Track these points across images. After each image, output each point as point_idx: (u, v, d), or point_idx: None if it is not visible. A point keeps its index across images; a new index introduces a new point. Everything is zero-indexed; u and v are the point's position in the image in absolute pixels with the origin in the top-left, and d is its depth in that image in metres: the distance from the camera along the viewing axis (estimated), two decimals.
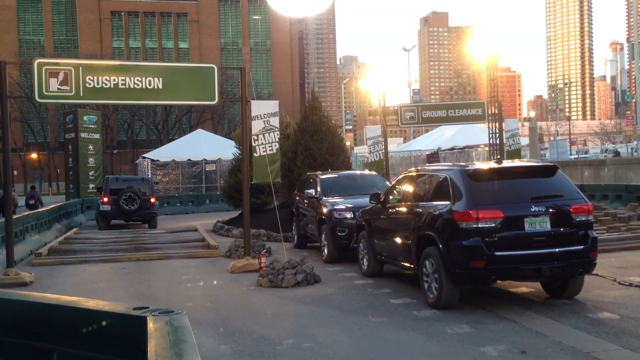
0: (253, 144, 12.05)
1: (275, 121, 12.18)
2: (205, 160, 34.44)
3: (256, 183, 12.61)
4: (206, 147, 35.01)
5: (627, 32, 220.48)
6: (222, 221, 19.62)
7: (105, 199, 20.00)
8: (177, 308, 2.60)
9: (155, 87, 10.89)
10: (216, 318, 7.58)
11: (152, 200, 20.38)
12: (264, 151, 12.00)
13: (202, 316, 7.67)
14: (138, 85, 10.78)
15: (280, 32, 68.54)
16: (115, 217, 20.35)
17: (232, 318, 7.53)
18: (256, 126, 12.05)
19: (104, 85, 10.60)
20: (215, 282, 10.17)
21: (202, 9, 67.58)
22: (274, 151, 12.12)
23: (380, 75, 34.39)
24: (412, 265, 8.40)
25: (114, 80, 10.65)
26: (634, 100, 48.91)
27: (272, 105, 12.49)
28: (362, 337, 6.55)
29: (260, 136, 12.05)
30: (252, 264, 10.98)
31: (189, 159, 34.49)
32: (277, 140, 12.19)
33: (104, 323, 2.51)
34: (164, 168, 34.69)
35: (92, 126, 28.37)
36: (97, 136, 28.73)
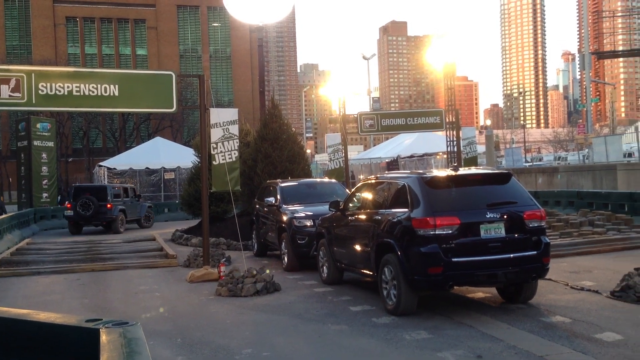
0: (212, 152, 11.96)
1: (234, 129, 12.13)
2: (164, 168, 33.98)
3: (215, 191, 12.51)
4: (165, 155, 34.56)
5: (579, 43, 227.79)
6: (181, 230, 19.38)
7: (69, 205, 22.52)
8: (133, 319, 2.56)
9: (112, 94, 10.72)
10: (173, 329, 7.47)
11: (109, 206, 22.14)
12: (223, 159, 11.93)
13: (159, 327, 7.54)
14: (93, 92, 10.59)
15: (240, 40, 68.26)
16: (76, 221, 22.39)
17: (190, 328, 7.43)
18: (215, 134, 11.97)
19: (57, 92, 10.37)
20: (172, 292, 10.03)
21: (160, 15, 66.83)
22: (234, 159, 12.06)
23: (341, 83, 34.61)
24: (371, 273, 8.46)
25: (68, 87, 10.43)
26: (585, 109, 50.54)
27: (231, 113, 12.43)
28: (321, 345, 6.56)
29: (220, 144, 11.97)
30: (211, 273, 10.88)
31: (147, 167, 33.97)
32: (236, 148, 12.13)
33: (55, 336, 2.45)
34: (121, 176, 34.04)
35: (46, 134, 27.70)
36: (50, 144, 28.06)
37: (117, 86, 10.78)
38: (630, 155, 31.92)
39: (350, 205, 9.57)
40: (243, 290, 9.23)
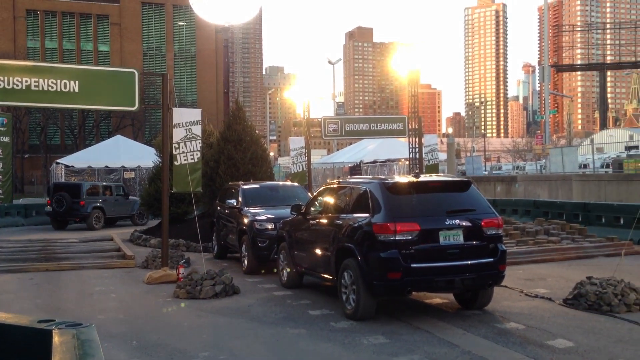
0: (174, 152, 11.82)
1: (197, 129, 12.02)
2: (124, 167, 33.40)
3: (176, 192, 12.37)
4: (125, 153, 33.97)
5: (539, 56, 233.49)
6: (140, 230, 19.09)
7: (48, 201, 23.82)
8: (87, 321, 2.51)
9: (71, 90, 10.48)
10: (129, 331, 7.35)
11: (81, 202, 23.15)
12: (185, 160, 11.80)
13: (114, 329, 7.41)
14: (52, 87, 10.34)
15: (206, 40, 67.65)
16: (54, 217, 23.50)
17: (146, 331, 7.32)
18: (177, 134, 11.84)
19: (15, 86, 10.09)
20: (129, 294, 9.86)
21: (124, 11, 65.76)
22: (195, 160, 11.94)
23: (306, 87, 34.62)
24: (331, 277, 8.48)
25: (27, 81, 10.16)
26: (543, 120, 51.79)
27: (194, 114, 12.31)
28: (279, 349, 6.54)
29: (182, 144, 11.84)
30: (169, 274, 10.74)
31: (107, 166, 33.33)
32: (199, 149, 12.02)
33: (5, 336, 2.38)
34: (79, 174, 33.31)
35: (2, 129, 26.91)
36: (6, 139, 27.27)
37: (77, 82, 10.55)
38: (585, 166, 32.86)
39: (312, 209, 9.59)
40: (202, 292, 9.14)
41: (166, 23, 69.29)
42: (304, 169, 20.80)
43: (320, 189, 9.99)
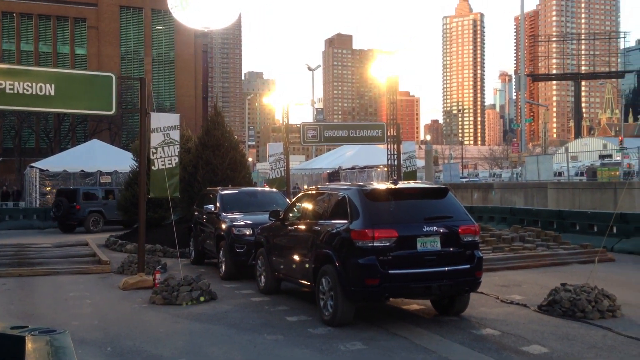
0: (152, 157, 11.74)
1: (175, 134, 11.96)
2: (100, 171, 32.98)
3: (153, 197, 12.27)
4: (102, 158, 33.55)
5: (515, 65, 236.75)
6: (116, 235, 18.87)
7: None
8: (61, 327, 2.48)
9: (47, 93, 10.35)
10: (104, 337, 7.25)
11: (77, 206, 24.39)
12: (162, 165, 11.73)
13: (89, 335, 7.31)
14: (28, 90, 10.20)
15: (185, 44, 67.30)
16: (59, 222, 24.89)
17: (122, 337, 7.24)
18: (155, 139, 11.77)
19: None
20: (104, 300, 9.74)
21: (102, 15, 65.17)
22: (173, 165, 11.88)
23: (285, 93, 34.66)
24: (309, 283, 8.48)
25: (1, 84, 10.01)
26: (519, 129, 52.52)
27: (172, 118, 12.25)
28: (256, 355, 6.51)
29: (160, 149, 11.77)
30: (145, 280, 10.63)
31: (82, 170, 32.86)
32: (176, 154, 11.96)
33: None
34: (53, 179, 32.83)
35: None
36: None
37: (53, 85, 10.42)
38: (560, 174, 33.33)
39: (290, 215, 9.58)
40: (178, 298, 9.07)
41: (145, 27, 68.82)
42: (283, 174, 20.77)
43: (299, 195, 9.99)
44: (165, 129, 11.79)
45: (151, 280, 10.40)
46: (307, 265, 8.40)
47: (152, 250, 15.20)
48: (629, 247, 14.49)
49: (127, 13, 67.12)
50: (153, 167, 11.68)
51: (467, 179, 45.99)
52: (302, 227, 8.88)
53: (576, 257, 13.24)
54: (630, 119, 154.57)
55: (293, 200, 10.31)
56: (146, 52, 67.48)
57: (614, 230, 15.09)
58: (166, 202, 14.98)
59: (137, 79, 12.95)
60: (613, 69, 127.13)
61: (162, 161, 11.74)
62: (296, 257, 8.86)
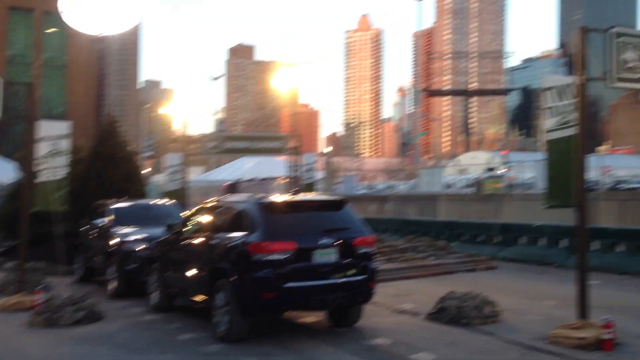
0: (37, 168, 11.07)
1: (65, 144, 11.35)
2: None
3: (38, 210, 11.55)
4: None
5: (413, 80, 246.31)
6: None
7: None
8: None
9: None
10: None
11: None
12: (49, 176, 11.09)
13: None
14: None
15: (79, 49, 64.03)
16: None
17: None
18: (42, 148, 11.11)
19: None
20: None
21: None
22: (61, 177, 11.26)
23: (185, 102, 34.05)
24: (205, 297, 8.30)
25: None
26: (414, 142, 54.67)
27: (62, 127, 11.62)
28: None
29: (47, 159, 11.12)
30: (25, 301, 9.93)
31: None
32: (65, 164, 11.35)
33: None
34: None
35: None
36: None
37: None
38: (450, 186, 35.01)
39: (187, 228, 9.36)
40: (62, 319, 8.54)
41: (35, 29, 65.07)
42: (181, 186, 20.29)
43: (196, 208, 9.78)
44: (53, 137, 11.17)
45: (32, 300, 9.73)
46: (203, 280, 8.24)
47: (35, 268, 14.22)
48: (511, 255, 15.42)
49: (16, 14, 63.17)
50: (39, 179, 11.02)
51: (364, 191, 47.17)
52: (199, 240, 8.71)
53: (463, 266, 13.93)
54: (515, 134, 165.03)
55: (190, 213, 10.07)
56: (36, 56, 63.85)
57: (499, 239, 16.05)
58: (52, 216, 14.18)
59: (25, 84, 12.21)
60: (501, 86, 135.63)
61: (48, 172, 11.10)
62: (192, 272, 8.67)
